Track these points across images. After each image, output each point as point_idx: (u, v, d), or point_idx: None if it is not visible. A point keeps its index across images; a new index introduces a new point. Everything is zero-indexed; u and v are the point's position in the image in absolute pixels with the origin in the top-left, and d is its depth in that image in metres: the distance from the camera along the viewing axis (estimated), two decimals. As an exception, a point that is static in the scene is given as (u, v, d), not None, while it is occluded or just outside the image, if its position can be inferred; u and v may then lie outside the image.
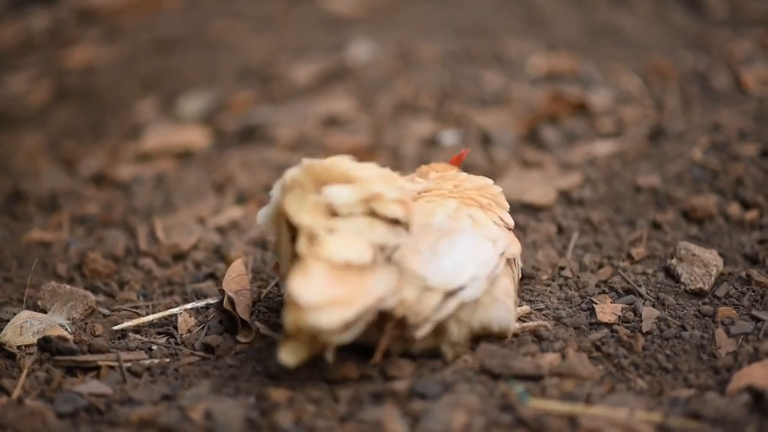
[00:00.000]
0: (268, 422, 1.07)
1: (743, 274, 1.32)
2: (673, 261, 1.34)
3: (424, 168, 1.32)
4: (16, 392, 1.14)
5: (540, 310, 1.26)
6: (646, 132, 1.75)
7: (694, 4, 2.37)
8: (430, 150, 1.79)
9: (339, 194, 1.10)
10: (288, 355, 1.05)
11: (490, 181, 1.27)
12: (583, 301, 1.28)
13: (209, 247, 1.50)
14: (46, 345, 1.21)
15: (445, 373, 1.13)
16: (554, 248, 1.42)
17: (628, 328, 1.22)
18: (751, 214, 1.44)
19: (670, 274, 1.33)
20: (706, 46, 2.12)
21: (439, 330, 1.12)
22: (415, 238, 1.11)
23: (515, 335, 1.19)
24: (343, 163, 1.14)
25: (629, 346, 1.19)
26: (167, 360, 1.21)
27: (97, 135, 2.04)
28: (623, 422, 1.04)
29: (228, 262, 1.41)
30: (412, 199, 1.16)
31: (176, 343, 1.25)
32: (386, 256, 1.09)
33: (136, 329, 1.28)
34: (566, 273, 1.35)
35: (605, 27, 2.32)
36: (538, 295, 1.30)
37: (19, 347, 1.22)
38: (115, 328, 1.28)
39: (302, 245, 1.06)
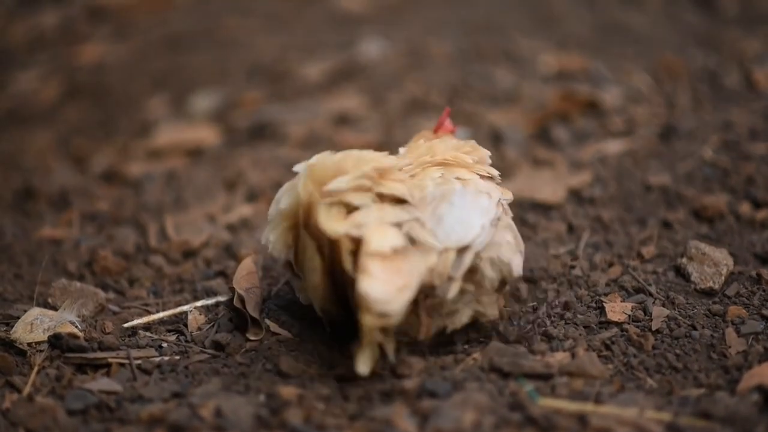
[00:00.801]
0: (278, 420, 1.07)
1: (754, 273, 1.31)
2: (684, 260, 1.33)
3: (412, 144, 1.32)
4: (27, 389, 1.15)
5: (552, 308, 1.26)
6: (657, 131, 1.75)
7: (705, 2, 2.36)
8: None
9: (339, 182, 1.12)
10: (364, 364, 1.07)
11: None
12: (593, 300, 1.28)
13: (220, 245, 1.50)
14: (56, 342, 1.22)
15: (454, 371, 1.13)
16: (564, 247, 1.42)
17: (638, 327, 1.22)
18: (762, 213, 1.44)
19: (681, 273, 1.33)
20: (717, 44, 2.12)
21: (474, 292, 1.15)
22: (417, 211, 1.13)
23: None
24: (328, 160, 1.15)
25: (639, 345, 1.19)
26: (177, 357, 1.21)
27: (107, 132, 2.04)
28: (633, 421, 1.04)
29: (238, 260, 1.41)
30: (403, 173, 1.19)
31: (186, 341, 1.25)
32: (403, 233, 1.11)
33: (147, 327, 1.28)
34: (576, 272, 1.35)
35: (616, 25, 2.31)
36: (547, 293, 1.30)
37: (29, 344, 1.22)
38: (125, 325, 1.28)
39: (346, 253, 1.08)
